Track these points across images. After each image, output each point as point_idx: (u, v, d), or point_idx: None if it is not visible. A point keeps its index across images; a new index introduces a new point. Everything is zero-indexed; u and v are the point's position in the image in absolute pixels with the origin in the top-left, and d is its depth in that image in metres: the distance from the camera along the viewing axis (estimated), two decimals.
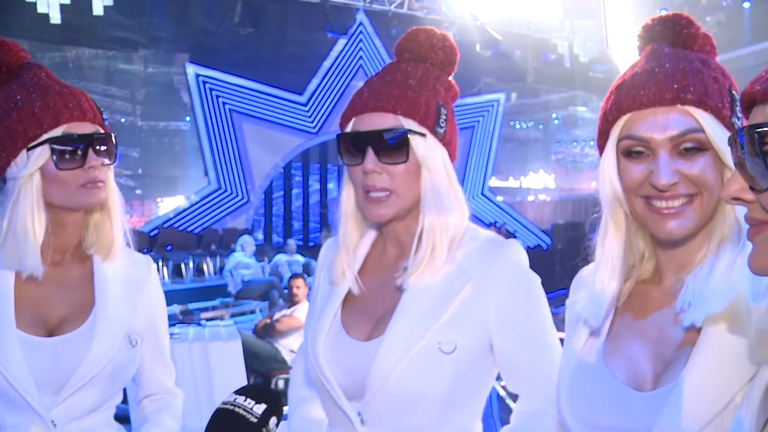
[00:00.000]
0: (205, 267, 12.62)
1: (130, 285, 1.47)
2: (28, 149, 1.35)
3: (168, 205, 19.05)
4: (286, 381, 6.13)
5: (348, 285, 1.38)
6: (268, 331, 5.97)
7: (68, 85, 1.43)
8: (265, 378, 5.83)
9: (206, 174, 16.22)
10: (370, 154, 1.29)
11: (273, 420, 1.12)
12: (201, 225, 15.72)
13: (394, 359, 1.26)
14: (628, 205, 1.07)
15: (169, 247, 12.97)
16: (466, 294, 1.29)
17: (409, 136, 1.29)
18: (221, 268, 11.90)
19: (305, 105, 17.15)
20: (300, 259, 11.57)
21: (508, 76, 18.38)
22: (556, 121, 28.25)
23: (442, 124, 1.33)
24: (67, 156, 1.35)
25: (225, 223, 16.11)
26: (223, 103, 16.26)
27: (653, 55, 1.08)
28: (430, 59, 1.38)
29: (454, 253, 1.33)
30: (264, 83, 16.57)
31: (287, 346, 5.93)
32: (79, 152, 1.35)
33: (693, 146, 1.00)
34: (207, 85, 16.09)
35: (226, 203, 16.29)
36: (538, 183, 27.82)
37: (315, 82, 17.17)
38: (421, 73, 1.36)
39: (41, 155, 1.35)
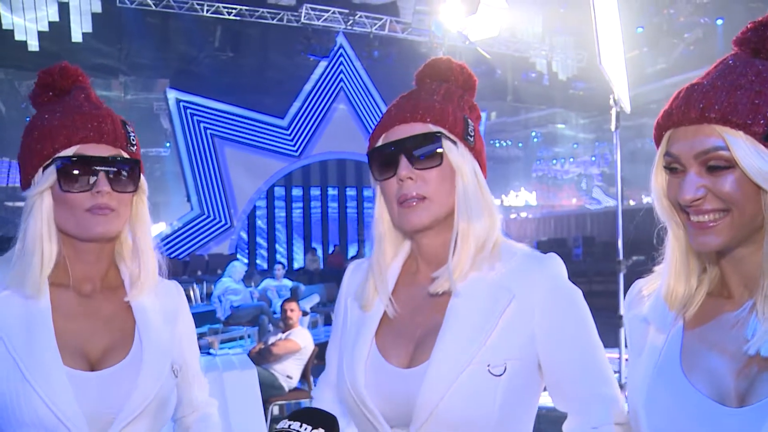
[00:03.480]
0: (191, 293, 12.44)
1: (166, 314, 1.43)
2: (43, 168, 1.30)
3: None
4: (281, 407, 6.05)
5: (381, 309, 1.34)
6: (263, 357, 5.85)
7: (103, 107, 1.36)
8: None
9: (188, 200, 16.11)
10: (404, 161, 1.28)
11: None
12: (184, 251, 15.55)
13: (442, 386, 1.20)
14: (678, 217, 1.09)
15: None
16: (511, 312, 1.25)
17: (442, 139, 1.29)
18: (208, 295, 11.76)
19: (287, 129, 17.19)
20: (288, 283, 11.47)
21: (489, 95, 18.55)
22: (535, 139, 28.59)
23: (471, 133, 1.33)
24: (75, 178, 1.28)
25: (208, 249, 15.98)
26: (205, 128, 16.24)
27: (714, 67, 1.08)
28: (451, 80, 1.40)
29: (493, 265, 1.29)
30: (245, 107, 16.62)
31: (283, 372, 5.83)
32: (89, 175, 1.29)
33: (719, 164, 1.00)
34: (188, 111, 16.08)
35: (209, 229, 16.21)
36: (519, 201, 28.04)
37: (296, 105, 17.26)
38: (444, 90, 1.37)
39: (52, 175, 1.29)
